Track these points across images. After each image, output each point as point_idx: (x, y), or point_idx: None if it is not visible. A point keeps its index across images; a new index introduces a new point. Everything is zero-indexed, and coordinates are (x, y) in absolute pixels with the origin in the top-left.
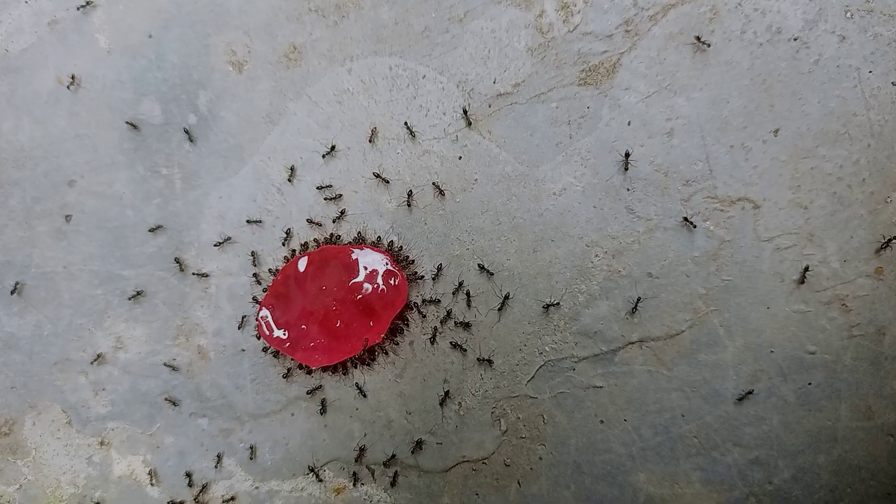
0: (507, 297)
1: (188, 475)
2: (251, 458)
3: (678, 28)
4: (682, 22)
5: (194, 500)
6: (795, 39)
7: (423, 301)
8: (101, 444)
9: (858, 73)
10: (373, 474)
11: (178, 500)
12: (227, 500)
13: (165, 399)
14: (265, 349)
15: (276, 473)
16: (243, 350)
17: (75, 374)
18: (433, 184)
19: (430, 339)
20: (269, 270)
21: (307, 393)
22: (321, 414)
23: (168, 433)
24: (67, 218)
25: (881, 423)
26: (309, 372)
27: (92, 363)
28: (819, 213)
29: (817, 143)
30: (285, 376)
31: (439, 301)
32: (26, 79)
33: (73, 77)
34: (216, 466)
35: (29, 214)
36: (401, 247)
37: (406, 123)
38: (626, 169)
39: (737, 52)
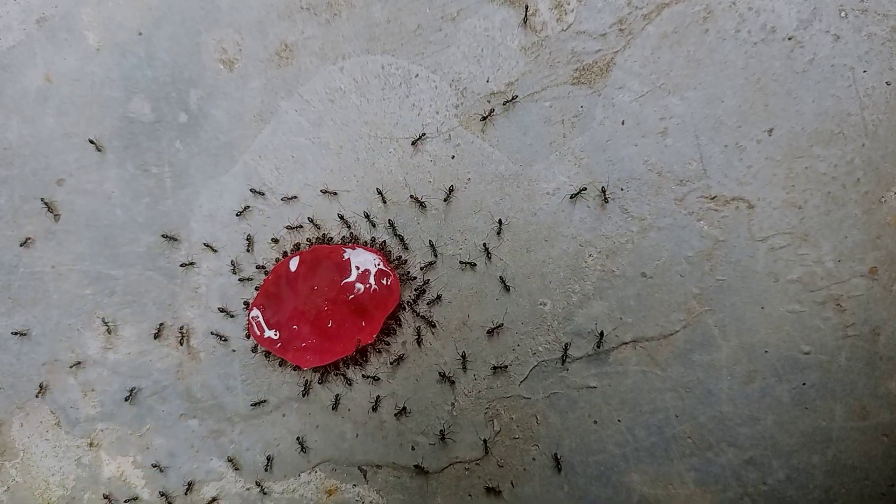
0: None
1: (189, 484)
2: (302, 447)
3: (672, 27)
4: (676, 21)
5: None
6: (790, 39)
7: (417, 293)
8: (91, 445)
9: (853, 73)
10: (364, 475)
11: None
12: (211, 501)
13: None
14: (254, 349)
15: (268, 474)
16: (234, 350)
17: (64, 375)
18: (411, 196)
19: (415, 340)
20: (257, 266)
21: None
22: (334, 410)
23: (158, 434)
24: (56, 217)
25: (876, 423)
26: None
27: (72, 367)
28: (813, 213)
29: (812, 143)
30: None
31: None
32: (14, 77)
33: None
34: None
35: (17, 213)
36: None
37: (412, 196)
38: (606, 201)
39: (731, 52)
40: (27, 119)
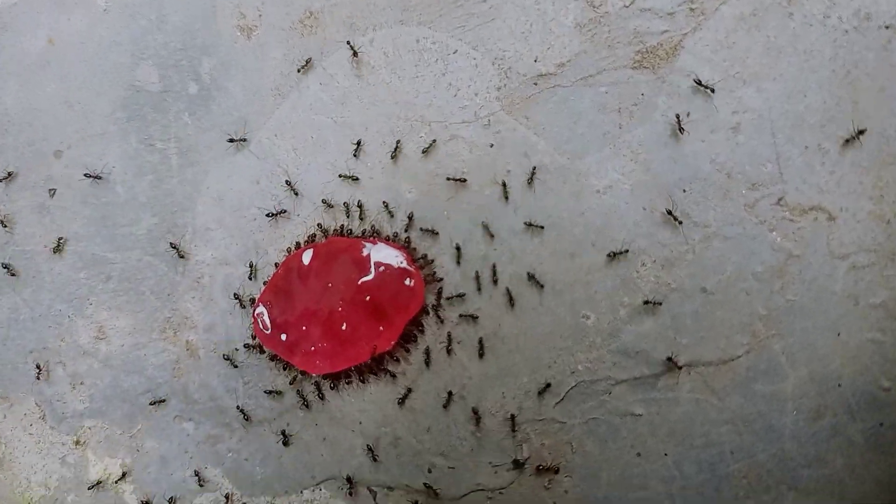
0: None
1: (196, 474)
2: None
3: (751, 8)
4: (755, 1)
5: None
6: (887, 27)
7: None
8: (77, 443)
9: None
10: (374, 497)
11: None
12: None
13: (150, 403)
14: (260, 348)
15: (267, 489)
16: (237, 349)
17: (52, 365)
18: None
19: (446, 348)
20: (288, 249)
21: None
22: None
23: (150, 436)
24: (51, 192)
25: None
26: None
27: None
28: None
29: None
30: (292, 383)
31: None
32: (15, 37)
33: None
34: (200, 484)
35: (9, 186)
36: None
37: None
38: (682, 131)
39: (818, 40)
40: (26, 84)
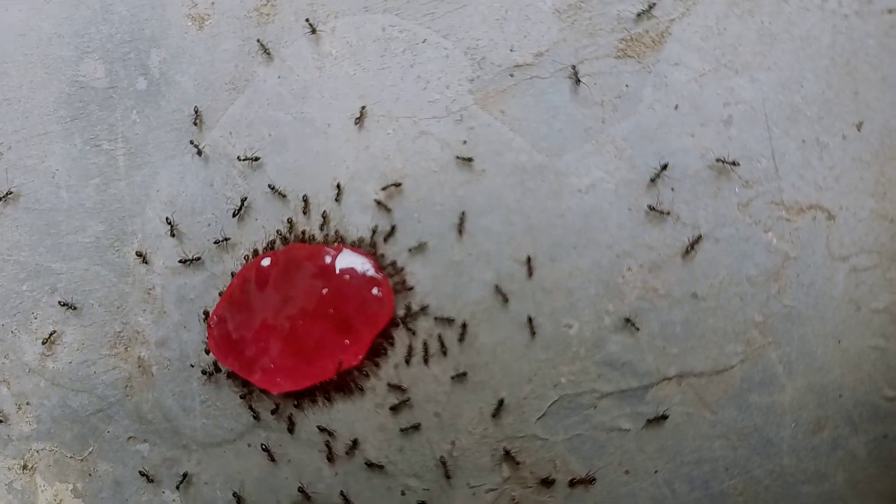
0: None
1: None
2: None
3: None
4: None
5: None
6: (890, 12)
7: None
8: (24, 468)
9: None
10: None
11: None
12: None
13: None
14: (217, 366)
15: None
16: (192, 365)
17: None
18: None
19: (423, 357)
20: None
21: (271, 413)
22: (290, 433)
23: (102, 459)
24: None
25: None
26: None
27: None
28: None
29: None
30: (243, 396)
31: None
32: None
33: None
34: None
35: None
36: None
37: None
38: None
39: (815, 25)
40: None
